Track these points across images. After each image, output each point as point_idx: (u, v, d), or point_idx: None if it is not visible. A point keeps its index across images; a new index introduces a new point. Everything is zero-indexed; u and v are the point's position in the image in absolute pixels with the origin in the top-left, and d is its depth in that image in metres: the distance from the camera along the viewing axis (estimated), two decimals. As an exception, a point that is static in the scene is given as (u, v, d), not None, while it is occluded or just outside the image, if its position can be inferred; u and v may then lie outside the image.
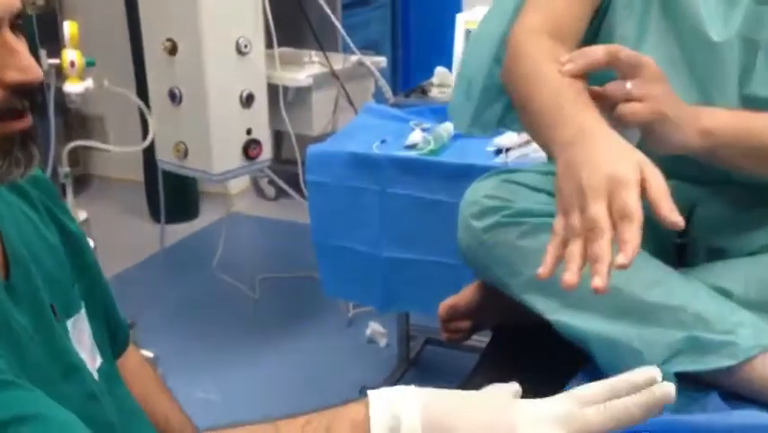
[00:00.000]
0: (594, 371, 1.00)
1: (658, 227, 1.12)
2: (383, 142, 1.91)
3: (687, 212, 1.10)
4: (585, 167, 0.79)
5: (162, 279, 2.93)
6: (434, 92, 2.27)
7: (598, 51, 0.91)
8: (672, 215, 0.78)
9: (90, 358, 0.85)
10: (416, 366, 2.35)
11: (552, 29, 1.00)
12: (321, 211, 1.93)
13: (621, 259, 0.74)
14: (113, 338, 0.95)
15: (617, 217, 0.76)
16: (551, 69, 0.92)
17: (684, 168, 1.02)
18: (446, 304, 1.23)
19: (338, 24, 2.60)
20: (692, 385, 0.96)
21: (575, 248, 0.77)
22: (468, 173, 1.52)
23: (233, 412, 2.18)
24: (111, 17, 3.17)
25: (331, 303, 2.53)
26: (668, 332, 0.94)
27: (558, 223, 0.81)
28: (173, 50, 2.28)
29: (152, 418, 0.95)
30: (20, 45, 0.68)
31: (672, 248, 1.13)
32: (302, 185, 2.30)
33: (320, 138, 2.23)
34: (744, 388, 0.94)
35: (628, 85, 0.89)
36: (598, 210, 0.77)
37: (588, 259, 0.77)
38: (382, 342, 2.47)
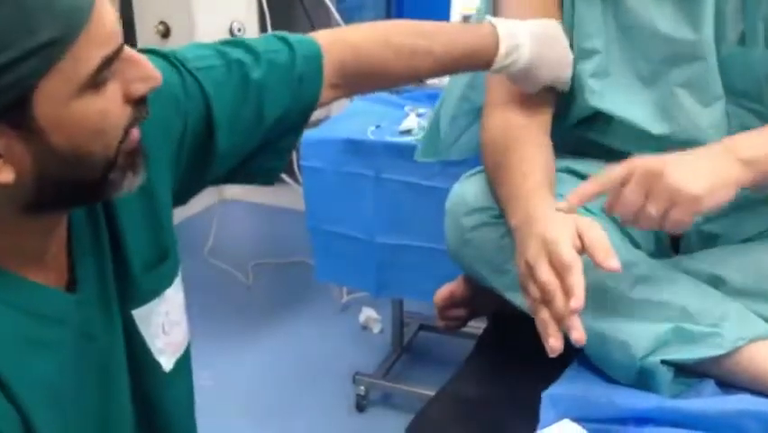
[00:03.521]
0: (590, 360, 1.00)
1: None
2: (378, 127, 1.90)
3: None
4: (528, 242, 0.88)
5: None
6: (429, 77, 2.26)
7: (587, 189, 0.92)
8: (606, 261, 0.84)
9: (172, 341, 0.85)
10: (410, 352, 2.36)
11: (520, 98, 1.08)
12: (315, 197, 1.93)
13: (573, 303, 0.82)
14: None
15: (559, 271, 0.84)
16: (514, 159, 1.01)
17: None
18: (442, 292, 1.23)
19: (332, 8, 2.58)
20: (688, 373, 0.96)
21: (545, 316, 0.85)
22: (462, 159, 1.51)
23: (226, 397, 2.18)
24: None
25: (324, 289, 2.53)
26: (654, 325, 0.95)
27: (527, 300, 0.89)
28: (166, 33, 2.26)
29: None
30: (137, 54, 0.67)
31: (667, 236, 1.13)
32: (296, 170, 2.29)
33: (314, 123, 2.21)
34: (733, 378, 0.95)
35: (651, 210, 0.87)
36: (543, 274, 0.85)
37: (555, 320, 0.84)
38: (376, 328, 2.47)
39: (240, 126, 0.86)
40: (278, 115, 0.89)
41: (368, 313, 2.49)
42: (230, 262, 2.80)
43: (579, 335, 0.83)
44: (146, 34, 2.32)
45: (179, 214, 3.12)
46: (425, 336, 2.40)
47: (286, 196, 3.07)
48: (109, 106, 0.65)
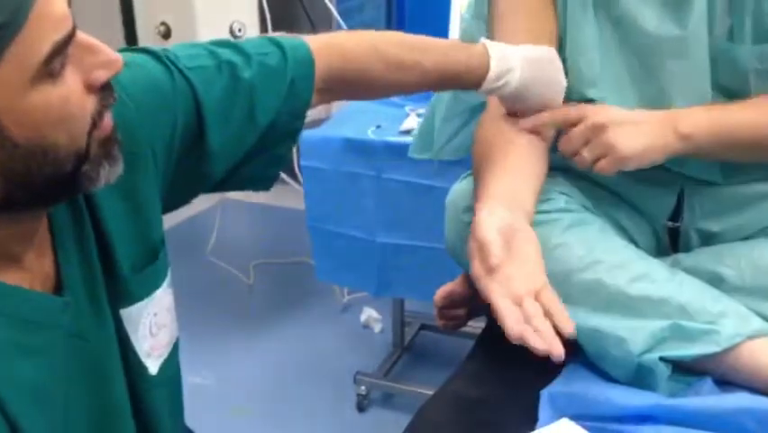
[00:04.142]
0: (588, 359, 1.00)
1: (650, 213, 1.13)
2: (378, 127, 1.90)
3: (676, 195, 1.11)
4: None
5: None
6: (430, 77, 2.26)
7: (543, 117, 1.04)
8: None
9: (159, 344, 0.85)
10: (411, 352, 2.36)
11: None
12: (316, 197, 1.93)
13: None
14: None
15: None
16: (497, 157, 1.04)
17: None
18: (442, 292, 1.24)
19: (332, 8, 2.58)
20: (686, 371, 0.96)
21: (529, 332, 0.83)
22: (462, 159, 1.51)
23: (228, 397, 2.19)
24: (104, 0, 3.15)
25: (325, 289, 2.54)
26: (652, 322, 0.95)
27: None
28: (167, 33, 2.26)
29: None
30: (94, 40, 0.65)
31: (665, 233, 1.13)
32: (296, 170, 2.29)
33: (315, 123, 2.22)
34: (732, 375, 0.95)
35: (585, 155, 1.01)
36: (475, 270, 0.89)
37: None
38: (377, 327, 2.47)
39: (231, 125, 0.86)
40: (271, 116, 0.89)
41: (369, 313, 2.49)
42: (231, 262, 2.80)
43: (568, 327, 0.84)
44: (147, 35, 2.33)
45: (181, 214, 3.12)
46: (426, 335, 2.40)
47: (287, 196, 3.07)
48: (69, 94, 0.63)
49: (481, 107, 1.16)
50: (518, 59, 1.01)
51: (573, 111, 1.03)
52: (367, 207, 1.87)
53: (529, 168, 1.03)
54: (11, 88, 0.59)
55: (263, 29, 2.39)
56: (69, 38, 0.62)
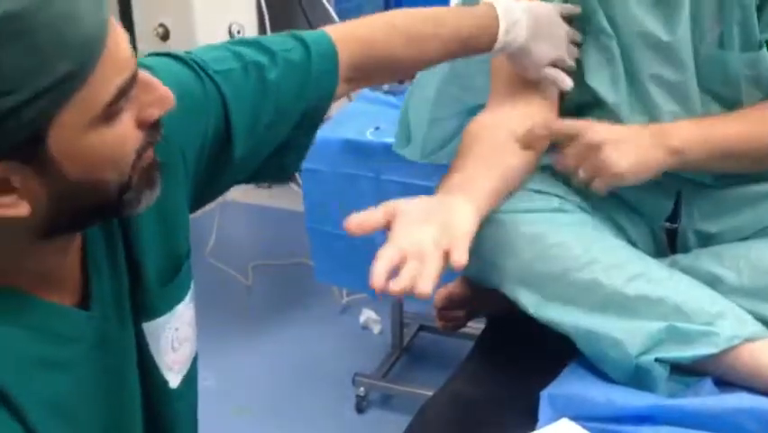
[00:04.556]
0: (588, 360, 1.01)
1: (648, 214, 1.13)
2: (377, 128, 1.90)
3: (674, 197, 1.11)
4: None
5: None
6: (428, 79, 2.26)
7: (538, 132, 1.03)
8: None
9: (180, 358, 0.84)
10: (410, 353, 2.36)
11: (512, 128, 1.06)
12: (315, 198, 1.93)
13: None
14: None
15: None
16: (475, 149, 1.03)
17: None
18: (442, 293, 1.24)
19: (331, 10, 2.58)
20: (685, 371, 0.96)
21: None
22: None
23: (227, 398, 2.18)
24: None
25: (324, 290, 2.53)
26: (648, 323, 0.96)
27: None
28: (165, 35, 2.26)
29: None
30: (150, 76, 0.65)
31: (663, 234, 1.14)
32: (295, 172, 2.29)
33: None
34: (731, 376, 0.95)
35: (581, 174, 1.00)
36: None
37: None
38: (376, 329, 2.47)
39: (258, 130, 0.85)
40: (297, 115, 0.88)
41: (368, 314, 2.49)
42: (230, 263, 2.80)
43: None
44: (145, 36, 2.32)
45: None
46: (424, 336, 2.40)
47: (286, 197, 3.07)
48: (124, 134, 0.63)
49: (478, 109, 1.16)
50: (522, 11, 1.02)
51: (569, 127, 1.03)
52: (365, 209, 1.86)
53: (496, 157, 1.02)
54: (72, 130, 0.59)
55: (262, 30, 2.39)
56: (133, 80, 0.62)
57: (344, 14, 2.65)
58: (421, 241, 0.84)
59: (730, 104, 1.06)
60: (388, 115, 1.98)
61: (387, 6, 3.41)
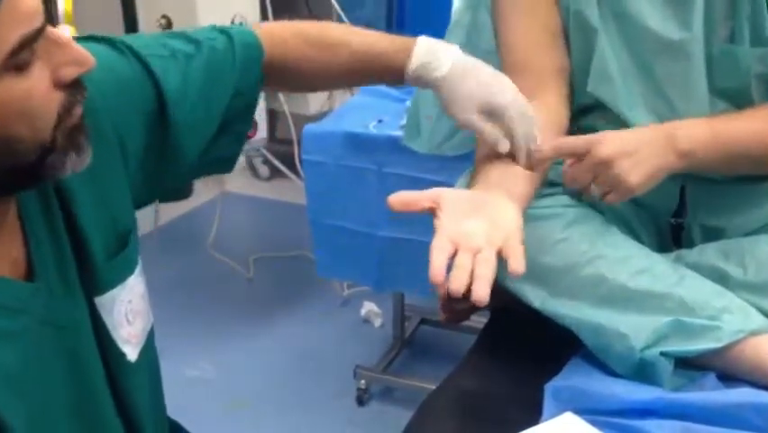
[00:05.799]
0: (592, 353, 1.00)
1: (653, 209, 1.13)
2: (380, 121, 1.90)
3: (680, 192, 1.11)
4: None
5: (156, 258, 2.91)
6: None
7: (548, 151, 0.99)
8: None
9: (136, 331, 0.85)
10: (411, 346, 2.36)
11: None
12: (317, 191, 1.92)
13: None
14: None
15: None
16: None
17: None
18: (446, 285, 1.23)
19: (334, 2, 2.58)
20: (689, 365, 0.96)
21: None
22: (465, 154, 1.51)
23: (228, 390, 2.19)
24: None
25: (325, 283, 2.53)
26: (653, 317, 0.95)
27: None
28: (168, 26, 2.26)
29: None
30: (66, 37, 0.66)
31: (669, 229, 1.13)
32: (297, 164, 2.29)
33: (316, 117, 2.22)
34: (735, 370, 0.95)
35: (594, 190, 0.98)
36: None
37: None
38: (377, 322, 2.47)
39: (189, 108, 0.87)
40: (227, 98, 0.92)
41: (369, 307, 2.49)
42: (231, 255, 2.80)
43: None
44: (149, 28, 2.32)
45: (181, 207, 3.11)
46: (426, 330, 2.40)
47: (287, 190, 3.07)
48: (33, 89, 0.63)
49: None
50: (451, 55, 0.99)
51: (580, 143, 0.99)
52: (368, 202, 1.86)
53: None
54: None
55: (264, 21, 2.38)
56: (38, 33, 0.62)
57: (347, 6, 2.64)
58: (472, 234, 0.83)
59: (738, 101, 1.05)
60: (391, 107, 1.98)
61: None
